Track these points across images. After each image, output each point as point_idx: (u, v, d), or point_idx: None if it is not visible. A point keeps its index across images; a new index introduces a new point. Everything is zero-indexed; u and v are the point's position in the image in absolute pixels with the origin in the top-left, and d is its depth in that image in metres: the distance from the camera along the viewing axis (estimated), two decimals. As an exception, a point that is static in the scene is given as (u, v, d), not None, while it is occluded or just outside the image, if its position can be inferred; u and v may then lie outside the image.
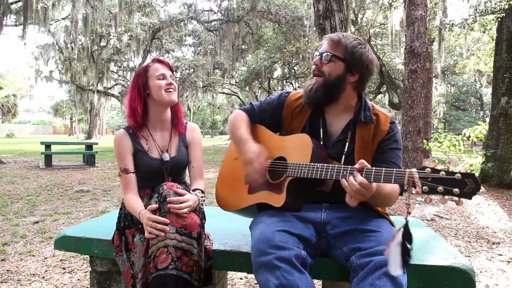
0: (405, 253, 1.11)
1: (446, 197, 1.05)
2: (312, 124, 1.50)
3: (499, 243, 3.51)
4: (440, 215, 4.58)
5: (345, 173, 1.24)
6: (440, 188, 1.04)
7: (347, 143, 1.43)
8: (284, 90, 1.66)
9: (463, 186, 1.02)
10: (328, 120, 1.49)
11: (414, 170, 1.10)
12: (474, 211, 4.90)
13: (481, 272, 2.78)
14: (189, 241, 1.35)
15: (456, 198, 1.03)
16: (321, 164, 1.30)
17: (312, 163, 1.32)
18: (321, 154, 1.39)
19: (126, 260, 1.48)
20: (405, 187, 1.12)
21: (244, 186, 1.54)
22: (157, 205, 1.41)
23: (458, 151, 7.98)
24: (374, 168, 1.18)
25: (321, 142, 1.46)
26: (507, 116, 6.59)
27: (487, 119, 8.98)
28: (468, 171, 1.04)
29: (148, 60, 1.60)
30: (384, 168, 1.17)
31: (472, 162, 7.54)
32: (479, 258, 3.10)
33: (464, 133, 8.10)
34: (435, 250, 1.45)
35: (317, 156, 1.36)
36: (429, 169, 1.07)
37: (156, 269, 1.30)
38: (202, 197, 1.55)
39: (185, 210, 1.38)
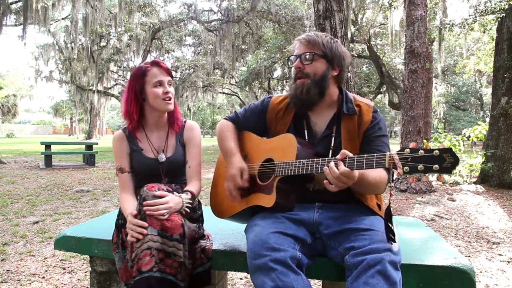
0: (388, 231, 1.14)
1: (427, 174, 1.06)
2: (296, 125, 1.52)
3: (499, 243, 3.51)
4: (440, 215, 4.58)
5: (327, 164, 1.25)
6: (420, 166, 1.06)
7: (333, 137, 1.45)
8: (266, 96, 1.68)
9: (442, 161, 1.04)
10: (312, 119, 1.51)
11: (394, 152, 1.12)
12: (474, 211, 4.90)
13: (481, 272, 2.78)
14: (171, 243, 1.32)
15: (437, 174, 1.05)
16: (306, 160, 1.31)
17: (298, 160, 1.33)
18: (307, 151, 1.40)
19: (123, 257, 1.47)
20: (390, 170, 1.14)
21: (237, 192, 1.54)
22: (136, 212, 1.40)
23: (458, 151, 7.97)
24: (356, 156, 1.19)
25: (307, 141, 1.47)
26: (507, 116, 6.59)
27: (487, 119, 8.98)
28: (446, 147, 1.05)
29: (148, 61, 1.55)
30: (365, 155, 1.18)
31: (472, 162, 7.54)
32: (479, 258, 3.09)
33: (464, 133, 8.11)
34: (435, 250, 1.45)
35: (302, 153, 1.37)
36: (408, 150, 1.09)
37: (139, 272, 1.27)
38: (189, 199, 1.50)
39: (163, 212, 1.35)
